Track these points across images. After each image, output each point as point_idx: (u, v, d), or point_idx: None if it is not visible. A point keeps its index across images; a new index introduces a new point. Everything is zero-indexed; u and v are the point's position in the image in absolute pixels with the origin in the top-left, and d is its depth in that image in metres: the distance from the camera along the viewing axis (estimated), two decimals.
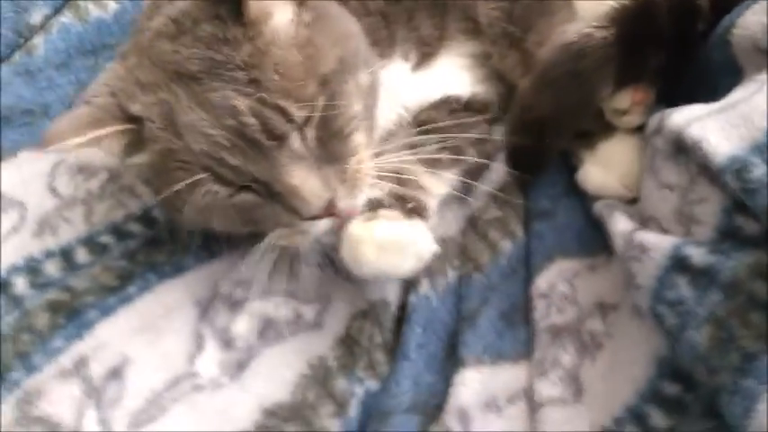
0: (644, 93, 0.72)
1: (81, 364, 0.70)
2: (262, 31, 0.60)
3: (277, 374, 0.70)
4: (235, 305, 0.74)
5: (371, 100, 0.68)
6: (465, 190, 0.80)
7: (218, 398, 0.69)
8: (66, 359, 0.70)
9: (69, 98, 0.93)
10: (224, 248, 0.76)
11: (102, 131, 0.62)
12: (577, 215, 0.75)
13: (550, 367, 0.66)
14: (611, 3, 0.70)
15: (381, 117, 0.72)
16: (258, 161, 0.60)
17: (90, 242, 0.79)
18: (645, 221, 0.65)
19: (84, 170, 0.84)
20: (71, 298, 0.74)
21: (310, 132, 0.61)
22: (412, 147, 0.70)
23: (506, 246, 0.75)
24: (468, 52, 0.79)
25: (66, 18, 0.94)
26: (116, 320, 0.72)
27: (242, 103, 0.58)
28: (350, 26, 0.68)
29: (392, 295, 0.75)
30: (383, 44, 0.73)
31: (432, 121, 0.75)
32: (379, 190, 0.68)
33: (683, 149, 0.60)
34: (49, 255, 0.78)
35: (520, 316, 0.71)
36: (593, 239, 0.71)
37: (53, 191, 0.83)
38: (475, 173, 0.78)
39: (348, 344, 0.73)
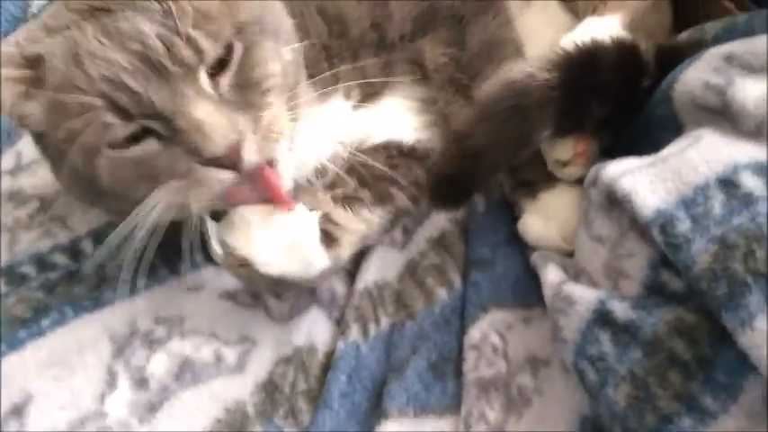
0: (586, 144, 0.71)
1: None
2: None
3: (190, 419, 0.67)
4: (153, 343, 0.71)
5: (292, 77, 0.66)
6: (404, 234, 0.79)
7: None
8: None
9: (15, 126, 0.91)
10: (148, 284, 0.73)
11: (6, 73, 0.59)
12: (516, 265, 0.73)
13: (475, 423, 0.63)
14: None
15: (315, 150, 0.71)
16: (161, 90, 0.57)
17: (9, 272, 0.76)
18: (577, 275, 0.63)
19: (14, 197, 0.83)
20: None
21: (225, 78, 0.60)
22: (332, 185, 0.69)
23: (442, 294, 0.74)
24: (413, 95, 0.78)
25: None
26: (24, 355, 0.69)
27: (150, 27, 0.56)
28: (276, 3, 0.67)
29: (320, 341, 0.73)
30: (324, 79, 0.72)
31: (362, 167, 0.74)
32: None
33: (616, 202, 0.58)
34: None
35: (450, 368, 0.68)
36: (529, 291, 0.70)
37: None
38: (413, 217, 0.77)
39: (269, 390, 0.70)
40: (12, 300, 0.73)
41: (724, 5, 0.77)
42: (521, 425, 0.62)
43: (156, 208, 0.60)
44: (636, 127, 0.70)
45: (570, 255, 0.68)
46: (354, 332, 0.72)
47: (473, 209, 0.79)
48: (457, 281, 0.74)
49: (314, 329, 0.73)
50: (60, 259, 0.78)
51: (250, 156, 0.59)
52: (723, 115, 0.57)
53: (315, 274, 0.67)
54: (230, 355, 0.71)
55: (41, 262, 0.77)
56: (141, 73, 0.56)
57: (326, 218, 0.70)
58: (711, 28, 0.69)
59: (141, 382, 0.69)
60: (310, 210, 0.67)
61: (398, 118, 0.78)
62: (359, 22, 0.75)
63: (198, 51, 0.57)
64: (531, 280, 0.70)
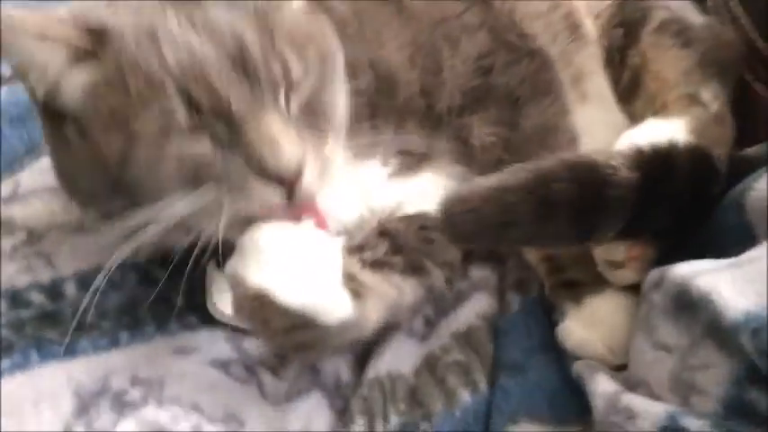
0: (642, 248, 0.65)
1: None
2: None
3: None
4: (124, 407, 0.62)
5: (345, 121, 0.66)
6: (426, 325, 0.72)
7: None
8: None
9: (18, 156, 0.86)
10: (130, 339, 0.66)
11: (57, 32, 0.57)
12: (552, 375, 0.66)
13: None
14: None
15: (344, 211, 0.67)
16: (243, 95, 0.56)
17: None
18: (632, 387, 0.55)
19: (2, 226, 0.76)
20: None
21: (297, 101, 0.60)
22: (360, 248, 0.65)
23: (464, 396, 0.65)
24: (454, 173, 0.73)
25: None
26: None
27: (251, 34, 0.57)
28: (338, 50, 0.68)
29: (318, 431, 0.63)
30: (364, 138, 0.68)
31: (395, 232, 0.69)
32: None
33: (687, 306, 0.52)
34: None
35: None
36: (565, 404, 0.63)
37: None
38: (437, 307, 0.70)
39: None
40: None
41: None
42: None
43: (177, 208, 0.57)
44: (699, 234, 0.64)
45: (615, 369, 0.61)
46: (359, 426, 0.63)
47: (506, 306, 0.72)
48: (482, 383, 0.66)
49: (313, 417, 0.64)
50: (37, 297, 0.71)
51: (309, 182, 0.58)
52: None
53: (335, 323, 0.59)
54: None
55: (16, 298, 0.70)
56: (228, 72, 0.56)
57: (352, 277, 0.63)
58: None
59: None
60: None
61: (436, 194, 0.72)
62: (408, 86, 0.71)
63: (286, 69, 0.59)
64: (569, 393, 0.63)
